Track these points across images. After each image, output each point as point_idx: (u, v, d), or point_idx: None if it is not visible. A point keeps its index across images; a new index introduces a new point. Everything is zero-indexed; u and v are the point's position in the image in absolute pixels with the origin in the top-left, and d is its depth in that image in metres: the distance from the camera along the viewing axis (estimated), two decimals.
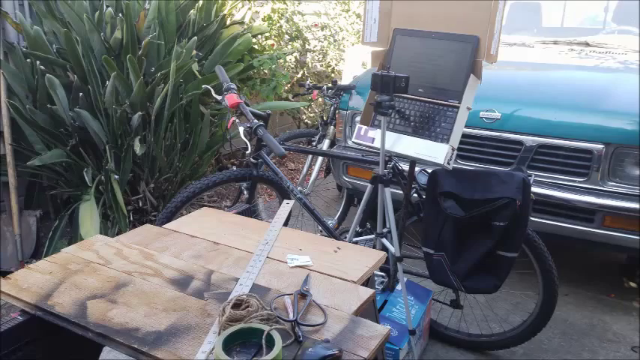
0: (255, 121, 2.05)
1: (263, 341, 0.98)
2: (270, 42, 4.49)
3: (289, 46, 4.82)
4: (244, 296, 1.10)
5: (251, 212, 1.92)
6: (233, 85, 2.14)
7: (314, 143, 3.37)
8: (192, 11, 3.25)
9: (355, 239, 2.20)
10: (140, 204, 3.00)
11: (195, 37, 2.95)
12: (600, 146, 2.36)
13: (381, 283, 2.17)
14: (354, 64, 4.71)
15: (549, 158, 2.48)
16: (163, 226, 1.61)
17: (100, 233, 2.56)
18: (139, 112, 2.72)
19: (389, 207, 1.97)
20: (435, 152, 1.78)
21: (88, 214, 2.58)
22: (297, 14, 4.87)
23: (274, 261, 1.40)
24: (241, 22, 3.64)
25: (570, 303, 2.70)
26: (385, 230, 2.06)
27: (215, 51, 3.19)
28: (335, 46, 5.13)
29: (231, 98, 2.08)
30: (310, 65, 5.14)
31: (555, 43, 3.57)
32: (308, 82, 3.61)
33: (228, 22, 3.53)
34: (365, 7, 1.97)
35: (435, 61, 1.84)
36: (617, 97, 2.50)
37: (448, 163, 1.78)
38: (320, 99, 4.36)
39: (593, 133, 2.38)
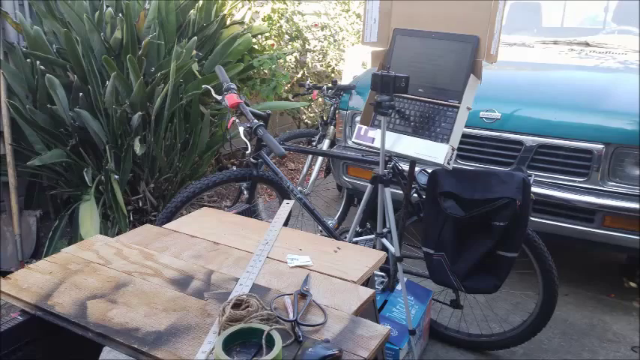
0: (255, 121, 2.05)
1: (263, 341, 0.98)
2: (270, 42, 4.50)
3: (289, 46, 4.82)
4: (244, 296, 1.10)
5: (251, 212, 1.92)
6: (233, 85, 2.14)
7: (314, 143, 3.37)
8: (192, 11, 3.25)
9: (355, 239, 2.20)
10: (140, 204, 3.00)
11: (195, 37, 2.95)
12: (600, 146, 2.36)
13: (381, 283, 2.17)
14: (354, 64, 4.71)
15: (549, 158, 2.48)
16: (163, 226, 1.61)
17: (100, 233, 2.56)
18: (139, 112, 2.72)
19: (389, 207, 1.97)
20: (435, 152, 1.78)
21: (88, 214, 2.58)
22: (297, 14, 4.87)
23: (274, 261, 1.40)
24: (241, 22, 3.64)
25: (570, 303, 2.70)
26: (385, 230, 2.06)
27: (215, 51, 3.19)
28: (335, 46, 5.13)
29: (231, 98, 2.08)
30: (310, 65, 5.14)
31: (555, 43, 3.57)
32: (308, 82, 3.61)
33: (228, 22, 3.53)
34: (365, 7, 1.97)
35: (435, 61, 1.84)
36: (617, 97, 2.50)
37: (448, 163, 1.78)
38: (320, 99, 4.36)
39: (593, 133, 2.38)
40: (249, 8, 3.92)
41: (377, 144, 1.91)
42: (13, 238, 2.76)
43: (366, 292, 1.24)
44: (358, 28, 5.19)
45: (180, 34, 3.16)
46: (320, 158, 3.31)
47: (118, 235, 2.14)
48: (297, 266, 1.36)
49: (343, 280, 1.30)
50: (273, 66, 3.71)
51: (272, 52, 3.99)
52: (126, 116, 2.76)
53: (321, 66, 5.23)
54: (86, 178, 2.65)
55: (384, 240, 2.06)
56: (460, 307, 2.17)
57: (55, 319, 1.12)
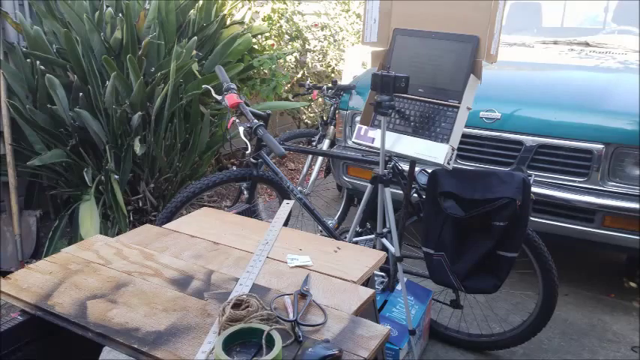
0: (255, 121, 2.05)
1: (263, 341, 0.98)
2: (270, 42, 4.49)
3: (289, 46, 4.82)
4: (244, 296, 1.10)
5: (251, 212, 1.92)
6: (233, 85, 2.14)
7: (314, 143, 3.37)
8: (192, 11, 3.25)
9: (355, 239, 2.20)
10: (140, 204, 3.00)
11: (195, 37, 2.95)
12: (600, 146, 2.36)
13: (381, 283, 2.17)
14: (354, 64, 4.71)
15: (549, 158, 2.48)
16: (163, 226, 1.61)
17: (100, 233, 2.56)
18: (139, 112, 2.72)
19: (389, 207, 1.97)
20: (435, 152, 1.78)
21: (88, 214, 2.58)
22: (297, 14, 4.87)
23: (274, 261, 1.40)
24: (241, 22, 3.64)
25: (570, 303, 2.70)
26: (385, 230, 2.06)
27: (215, 51, 3.19)
28: (335, 46, 5.13)
29: (231, 98, 2.08)
30: (310, 65, 5.14)
31: (555, 43, 3.57)
32: (308, 82, 3.61)
33: (228, 22, 3.53)
34: (365, 7, 1.97)
35: (435, 61, 1.84)
36: (617, 97, 2.50)
37: (448, 163, 1.78)
38: (320, 99, 4.36)
39: (593, 133, 2.38)
40: (249, 8, 3.92)
41: (377, 144, 1.91)
42: (13, 238, 2.76)
43: (366, 292, 1.24)
44: (358, 28, 5.19)
45: (180, 34, 3.16)
46: (320, 158, 3.31)
47: (118, 235, 2.14)
48: (297, 266, 1.36)
49: (343, 280, 1.30)
50: (273, 66, 3.71)
51: (272, 52, 3.99)
52: (126, 116, 2.76)
53: (321, 66, 5.23)
54: (86, 178, 2.65)
55: (384, 240, 2.06)
56: (460, 307, 2.17)
57: (55, 319, 1.12)
